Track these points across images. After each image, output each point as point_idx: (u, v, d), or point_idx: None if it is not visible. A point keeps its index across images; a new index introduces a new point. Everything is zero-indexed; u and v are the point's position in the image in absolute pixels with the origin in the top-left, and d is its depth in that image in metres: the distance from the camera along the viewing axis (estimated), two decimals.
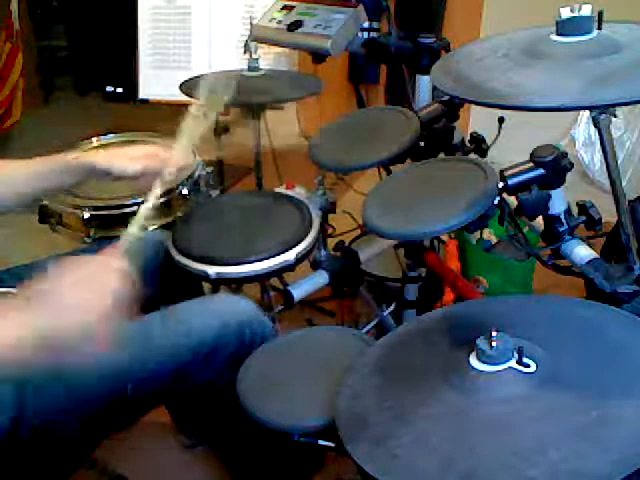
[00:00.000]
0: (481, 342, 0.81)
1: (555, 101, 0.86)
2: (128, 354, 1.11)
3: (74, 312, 0.90)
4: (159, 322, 1.19)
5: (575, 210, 1.09)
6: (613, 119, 0.95)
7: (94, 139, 1.92)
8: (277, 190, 1.58)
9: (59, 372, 1.05)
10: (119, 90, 3.73)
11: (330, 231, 2.02)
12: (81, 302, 0.90)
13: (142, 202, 1.59)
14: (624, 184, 1.04)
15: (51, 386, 1.05)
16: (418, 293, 1.76)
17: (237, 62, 1.88)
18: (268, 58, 1.90)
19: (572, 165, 1.05)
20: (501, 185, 1.04)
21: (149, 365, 1.13)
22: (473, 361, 0.82)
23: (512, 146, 1.56)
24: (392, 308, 1.82)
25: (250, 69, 1.73)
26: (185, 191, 1.69)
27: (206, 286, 1.64)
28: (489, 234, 1.97)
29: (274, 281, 1.76)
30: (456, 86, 0.97)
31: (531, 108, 0.86)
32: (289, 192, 1.55)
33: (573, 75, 0.90)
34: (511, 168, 1.06)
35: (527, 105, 0.87)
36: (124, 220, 1.62)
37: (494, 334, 0.80)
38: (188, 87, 1.71)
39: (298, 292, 1.47)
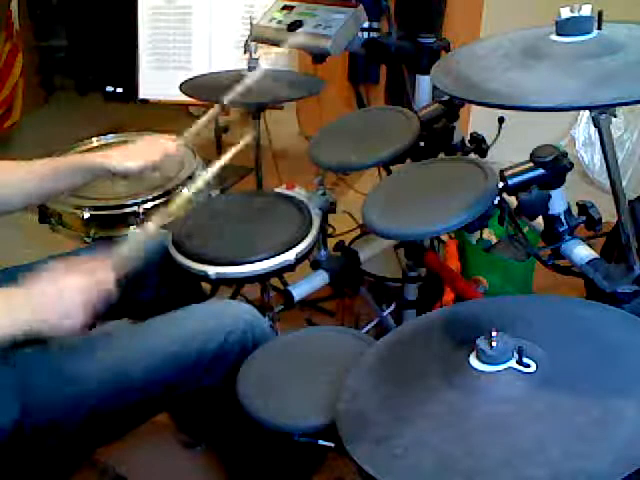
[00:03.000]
0: (481, 342, 0.81)
1: (554, 101, 0.86)
2: (128, 359, 1.11)
3: (56, 301, 0.97)
4: (161, 328, 1.19)
5: (575, 210, 1.09)
6: (613, 119, 0.95)
7: (94, 139, 1.92)
8: (277, 190, 1.58)
9: (62, 376, 1.05)
10: (119, 90, 3.73)
11: (330, 231, 2.02)
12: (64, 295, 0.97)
13: (142, 202, 1.61)
14: (624, 184, 1.04)
15: (53, 389, 1.06)
16: (418, 293, 1.76)
17: (237, 62, 1.88)
18: (268, 58, 1.90)
19: (572, 165, 1.05)
20: (501, 185, 1.04)
21: (150, 370, 1.13)
22: (473, 361, 0.82)
23: (512, 146, 1.56)
24: (392, 308, 1.82)
25: (250, 69, 1.73)
26: (185, 191, 1.69)
27: (206, 286, 1.64)
28: (489, 234, 1.97)
29: (274, 281, 1.76)
30: (456, 86, 0.97)
31: (530, 108, 0.86)
32: (289, 192, 1.55)
33: (572, 75, 0.90)
34: (511, 168, 1.06)
35: (526, 105, 0.87)
36: (124, 220, 1.63)
37: (494, 334, 0.80)
38: (188, 87, 1.71)
39: (298, 292, 1.47)
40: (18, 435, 1.03)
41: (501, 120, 1.39)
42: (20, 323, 0.96)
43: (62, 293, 0.98)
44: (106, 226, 1.62)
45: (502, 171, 1.06)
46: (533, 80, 0.93)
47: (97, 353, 1.12)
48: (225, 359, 1.18)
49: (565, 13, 0.95)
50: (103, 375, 1.08)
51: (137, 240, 1.14)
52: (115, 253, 1.10)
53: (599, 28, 0.96)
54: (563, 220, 1.08)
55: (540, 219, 1.10)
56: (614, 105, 0.91)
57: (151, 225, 1.20)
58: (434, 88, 1.56)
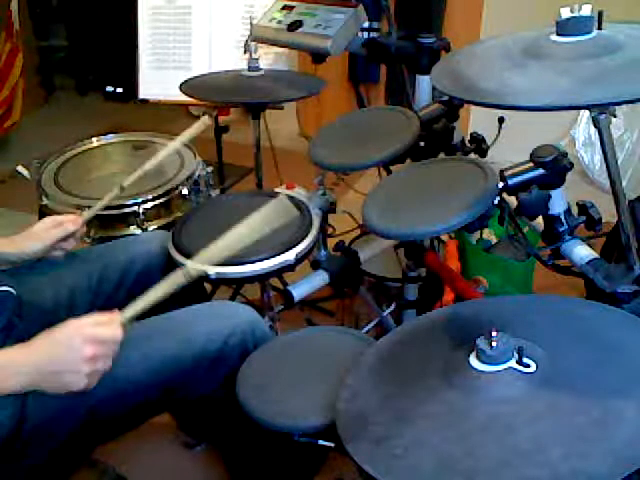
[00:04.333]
0: (481, 342, 0.81)
1: (542, 100, 0.86)
2: (126, 361, 1.11)
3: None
4: (160, 330, 1.19)
5: (575, 210, 1.09)
6: (613, 119, 0.95)
7: (94, 139, 1.93)
8: (277, 190, 1.58)
9: None
10: (119, 90, 3.73)
11: (330, 231, 2.02)
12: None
13: (142, 202, 1.61)
14: (624, 184, 1.04)
15: None
16: (418, 293, 1.76)
17: (237, 62, 1.88)
18: (268, 58, 1.90)
19: (572, 165, 1.05)
20: (501, 185, 1.04)
21: (149, 373, 1.13)
22: (473, 361, 0.82)
23: (512, 146, 1.56)
24: (392, 308, 1.82)
25: (250, 69, 1.73)
26: (185, 191, 1.69)
27: (206, 286, 1.64)
28: (489, 234, 1.97)
29: (274, 281, 1.76)
30: (453, 85, 0.98)
31: (518, 107, 0.87)
32: (289, 192, 1.55)
33: (565, 75, 0.90)
34: (511, 168, 1.06)
35: (514, 105, 0.87)
36: (124, 220, 1.63)
37: (494, 334, 0.80)
38: (188, 87, 1.71)
39: (298, 292, 1.47)
40: (17, 438, 1.03)
41: (501, 120, 1.39)
42: (23, 381, 0.96)
43: (65, 353, 0.97)
44: (106, 226, 1.62)
45: (502, 171, 1.06)
46: (525, 80, 0.93)
47: None
48: (226, 362, 1.18)
49: (565, 13, 0.95)
50: (102, 377, 1.08)
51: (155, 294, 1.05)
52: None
53: (599, 28, 0.96)
54: (563, 220, 1.08)
55: (540, 219, 1.10)
56: (602, 105, 0.91)
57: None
58: (434, 88, 1.56)
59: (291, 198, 1.52)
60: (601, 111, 0.94)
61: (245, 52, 1.74)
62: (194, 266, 1.11)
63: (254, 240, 1.06)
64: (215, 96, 1.72)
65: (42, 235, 1.30)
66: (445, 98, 1.44)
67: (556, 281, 1.26)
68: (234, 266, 1.32)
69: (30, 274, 1.30)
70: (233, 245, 1.07)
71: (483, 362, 0.81)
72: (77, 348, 0.95)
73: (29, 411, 1.03)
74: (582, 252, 1.07)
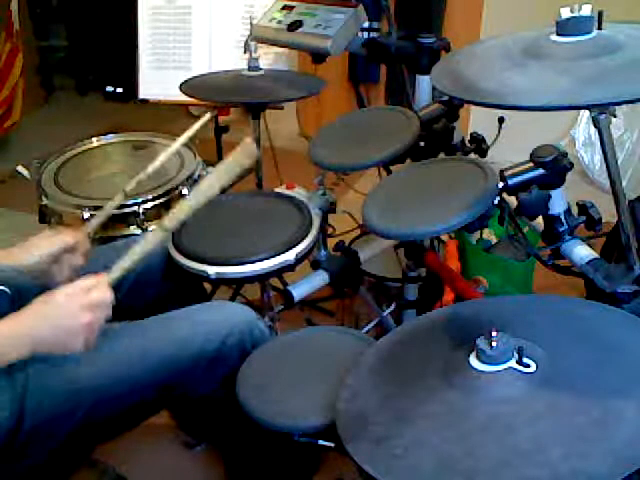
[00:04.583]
0: (481, 342, 0.81)
1: (542, 100, 0.87)
2: (124, 362, 1.11)
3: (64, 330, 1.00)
4: (157, 330, 1.19)
5: (575, 210, 1.09)
6: (613, 119, 0.95)
7: (94, 139, 1.93)
8: (277, 190, 1.58)
9: (60, 377, 1.05)
10: (119, 90, 3.73)
11: (330, 231, 2.02)
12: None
13: (142, 202, 1.61)
14: (624, 184, 1.04)
15: (52, 385, 1.06)
16: (418, 293, 1.76)
17: (237, 62, 1.88)
18: (268, 58, 1.90)
19: (572, 165, 1.05)
20: (501, 185, 1.04)
21: (147, 373, 1.13)
22: (473, 361, 0.82)
23: (512, 146, 1.56)
24: (392, 308, 1.82)
25: (250, 69, 1.73)
26: (185, 191, 1.69)
27: (206, 286, 1.64)
28: (489, 234, 1.97)
29: (274, 281, 1.76)
30: (453, 85, 0.98)
31: (518, 107, 0.87)
32: (289, 192, 1.55)
33: (564, 75, 0.90)
34: (511, 168, 1.06)
35: (514, 104, 0.88)
36: (124, 220, 1.63)
37: (494, 334, 0.80)
38: (188, 87, 1.71)
39: (298, 292, 1.47)
40: (16, 438, 1.03)
41: (501, 120, 1.39)
42: (24, 351, 0.99)
43: (64, 321, 1.00)
44: (106, 226, 1.61)
45: (502, 171, 1.06)
46: (524, 80, 0.93)
47: (94, 355, 1.12)
48: (224, 362, 1.18)
49: (565, 13, 0.95)
50: (100, 377, 1.08)
51: (137, 252, 1.12)
52: (116, 266, 1.10)
53: (599, 28, 0.96)
54: (563, 220, 1.08)
55: (540, 219, 1.10)
56: (601, 105, 0.91)
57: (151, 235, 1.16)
58: (434, 88, 1.56)
59: (291, 198, 1.53)
60: (601, 111, 0.94)
61: (245, 52, 1.74)
62: (169, 224, 1.15)
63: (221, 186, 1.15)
64: (215, 96, 1.72)
65: (39, 246, 1.28)
66: (445, 98, 1.44)
67: (556, 281, 1.26)
68: (234, 266, 1.32)
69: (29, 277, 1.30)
70: (203, 196, 1.16)
71: (483, 362, 0.81)
72: (73, 315, 0.99)
73: (27, 411, 1.03)
74: (582, 252, 1.07)
